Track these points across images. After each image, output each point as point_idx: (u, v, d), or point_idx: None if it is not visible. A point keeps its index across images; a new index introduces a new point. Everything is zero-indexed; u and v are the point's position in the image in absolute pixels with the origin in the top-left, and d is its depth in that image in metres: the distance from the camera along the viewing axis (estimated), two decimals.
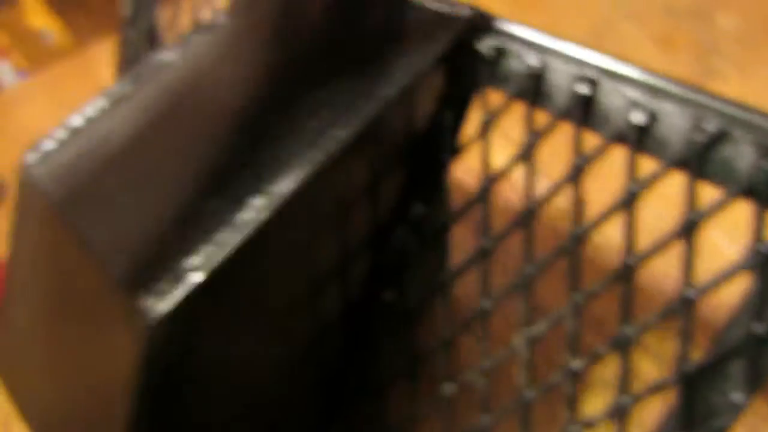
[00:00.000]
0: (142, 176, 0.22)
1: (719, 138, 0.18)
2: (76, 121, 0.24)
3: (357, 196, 0.23)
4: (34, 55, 0.82)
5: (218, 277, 0.18)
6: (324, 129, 0.21)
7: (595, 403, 0.27)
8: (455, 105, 0.24)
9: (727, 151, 0.18)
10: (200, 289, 0.18)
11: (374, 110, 0.21)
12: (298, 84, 0.23)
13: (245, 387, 0.23)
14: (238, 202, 0.20)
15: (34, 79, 0.76)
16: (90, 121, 0.24)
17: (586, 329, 0.21)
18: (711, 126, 0.18)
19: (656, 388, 0.19)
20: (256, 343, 0.23)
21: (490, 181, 0.23)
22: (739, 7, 0.48)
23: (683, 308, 0.18)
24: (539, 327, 0.22)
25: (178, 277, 0.18)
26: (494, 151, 0.23)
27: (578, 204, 0.21)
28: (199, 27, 0.30)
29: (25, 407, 0.27)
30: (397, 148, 0.24)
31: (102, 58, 0.62)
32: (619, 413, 0.20)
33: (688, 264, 0.18)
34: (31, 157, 0.23)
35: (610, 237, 0.21)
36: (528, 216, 0.22)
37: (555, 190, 0.21)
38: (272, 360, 0.24)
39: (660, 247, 0.19)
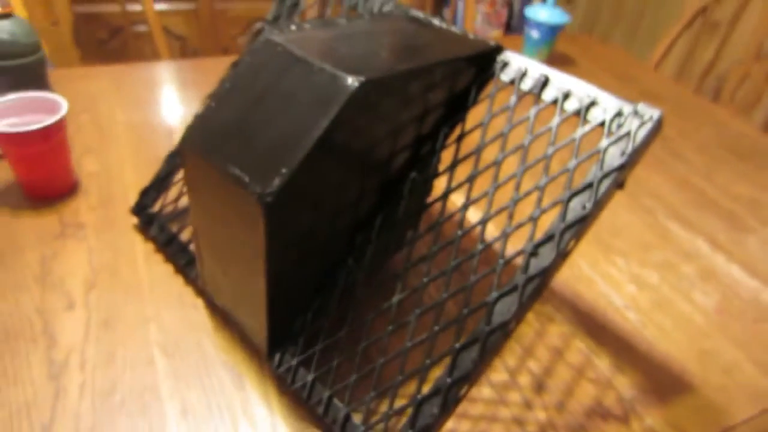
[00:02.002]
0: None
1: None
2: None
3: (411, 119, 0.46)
4: None
5: (293, 180, 0.38)
6: (418, 59, 0.44)
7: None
8: (478, 86, 0.48)
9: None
10: (284, 185, 0.38)
11: (445, 57, 0.45)
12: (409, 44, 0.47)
13: (317, 239, 0.44)
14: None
15: None
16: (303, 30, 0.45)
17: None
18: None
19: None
20: (320, 217, 0.44)
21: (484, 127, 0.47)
22: None
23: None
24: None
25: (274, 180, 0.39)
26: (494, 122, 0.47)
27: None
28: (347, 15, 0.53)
29: (220, 299, 0.47)
30: (440, 95, 0.47)
31: None
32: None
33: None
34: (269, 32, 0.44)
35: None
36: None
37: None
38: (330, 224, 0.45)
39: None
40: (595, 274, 0.65)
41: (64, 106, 0.62)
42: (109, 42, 1.33)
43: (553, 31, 1.04)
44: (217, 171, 0.41)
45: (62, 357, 0.50)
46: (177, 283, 0.58)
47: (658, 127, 0.41)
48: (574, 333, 0.57)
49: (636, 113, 0.41)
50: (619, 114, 0.42)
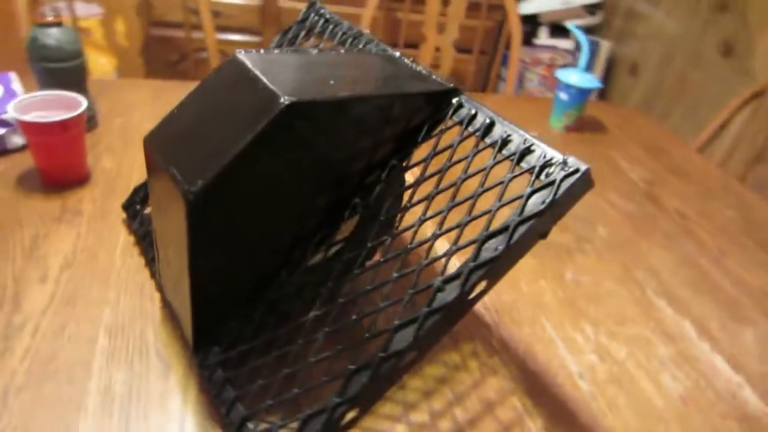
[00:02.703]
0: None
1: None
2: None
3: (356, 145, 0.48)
4: None
5: (216, 183, 0.41)
6: (365, 89, 0.46)
7: None
8: (430, 124, 0.50)
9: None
10: (206, 186, 0.41)
11: (394, 91, 0.47)
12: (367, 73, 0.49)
13: (246, 246, 0.47)
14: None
15: None
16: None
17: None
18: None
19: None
20: (249, 224, 0.46)
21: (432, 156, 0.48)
22: None
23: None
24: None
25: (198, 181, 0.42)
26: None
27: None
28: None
29: (166, 293, 0.51)
30: (391, 128, 0.49)
31: None
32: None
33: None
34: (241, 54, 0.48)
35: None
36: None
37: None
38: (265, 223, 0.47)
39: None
40: (557, 336, 0.63)
41: (83, 105, 0.69)
42: (178, 64, 1.45)
43: (581, 95, 1.04)
44: (162, 168, 0.44)
45: (20, 321, 0.54)
46: (143, 275, 0.61)
47: (584, 180, 0.41)
48: (513, 390, 0.55)
49: (565, 164, 0.41)
50: (548, 164, 0.42)
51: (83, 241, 0.65)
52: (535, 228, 0.41)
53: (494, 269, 0.41)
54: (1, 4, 1.21)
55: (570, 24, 1.10)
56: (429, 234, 0.45)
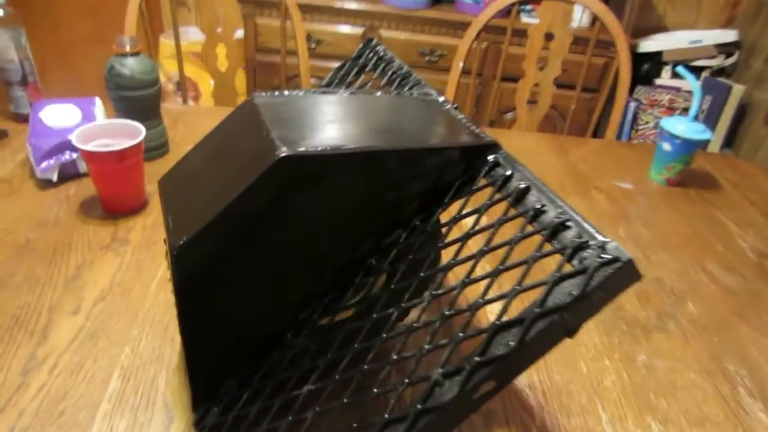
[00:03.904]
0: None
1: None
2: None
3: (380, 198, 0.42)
4: None
5: (198, 240, 0.38)
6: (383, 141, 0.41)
7: None
8: (466, 180, 0.44)
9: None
10: (191, 241, 0.38)
11: (419, 144, 0.41)
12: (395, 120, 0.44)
13: (243, 305, 0.43)
14: None
15: None
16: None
17: None
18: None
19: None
20: (246, 282, 0.42)
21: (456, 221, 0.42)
22: None
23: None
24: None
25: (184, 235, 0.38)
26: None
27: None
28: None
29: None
30: (417, 184, 0.43)
31: None
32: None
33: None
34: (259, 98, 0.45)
35: None
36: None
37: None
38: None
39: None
40: (613, 431, 0.53)
41: (140, 135, 0.70)
42: (278, 89, 1.49)
43: (687, 147, 0.92)
44: (164, 215, 0.42)
45: (42, 356, 0.54)
46: (171, 314, 0.60)
47: (625, 274, 0.33)
48: None
49: (603, 250, 0.34)
50: (583, 246, 0.35)
51: (123, 272, 0.65)
52: (558, 324, 0.33)
53: (504, 368, 0.34)
54: (112, 29, 1.31)
55: (681, 68, 0.98)
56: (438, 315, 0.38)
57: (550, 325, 0.33)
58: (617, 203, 0.91)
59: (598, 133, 1.80)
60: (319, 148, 0.38)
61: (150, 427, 0.48)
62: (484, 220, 0.65)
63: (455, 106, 0.49)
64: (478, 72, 1.85)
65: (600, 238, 0.34)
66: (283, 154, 0.36)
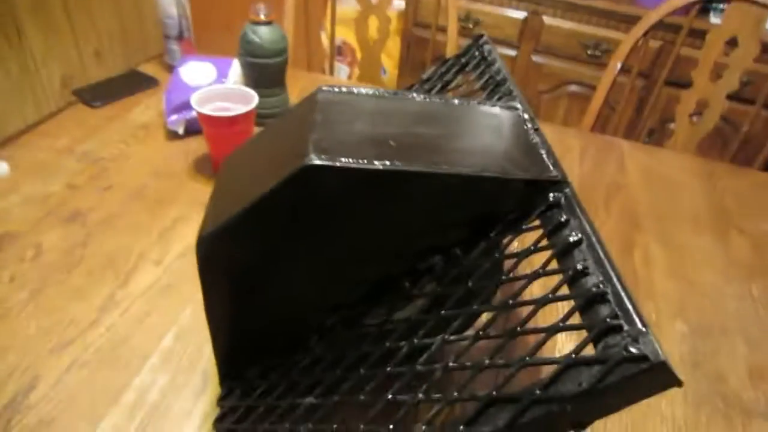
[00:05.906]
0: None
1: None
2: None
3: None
4: None
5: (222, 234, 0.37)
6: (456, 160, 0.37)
7: None
8: (519, 215, 0.39)
9: None
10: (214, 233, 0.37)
11: (469, 171, 0.37)
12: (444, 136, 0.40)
13: (267, 301, 0.42)
14: None
15: None
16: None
17: None
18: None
19: None
20: (269, 278, 0.41)
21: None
22: None
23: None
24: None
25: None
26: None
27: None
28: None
29: None
30: (463, 211, 0.39)
31: None
32: None
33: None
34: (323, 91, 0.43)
35: None
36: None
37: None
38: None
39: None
40: None
41: (253, 103, 0.72)
42: (425, 64, 1.47)
43: None
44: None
45: (119, 298, 0.59)
46: None
47: (653, 377, 0.27)
48: None
49: (634, 341, 0.28)
50: (613, 329, 0.29)
51: None
52: (559, 414, 0.28)
53: None
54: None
55: None
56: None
57: (547, 415, 0.29)
58: (762, 254, 0.77)
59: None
60: (351, 161, 0.35)
61: (184, 389, 0.51)
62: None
63: (536, 127, 0.44)
64: (646, 74, 1.66)
65: (638, 324, 0.28)
66: (309, 163, 0.35)
